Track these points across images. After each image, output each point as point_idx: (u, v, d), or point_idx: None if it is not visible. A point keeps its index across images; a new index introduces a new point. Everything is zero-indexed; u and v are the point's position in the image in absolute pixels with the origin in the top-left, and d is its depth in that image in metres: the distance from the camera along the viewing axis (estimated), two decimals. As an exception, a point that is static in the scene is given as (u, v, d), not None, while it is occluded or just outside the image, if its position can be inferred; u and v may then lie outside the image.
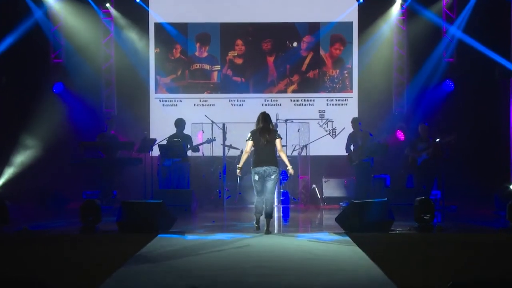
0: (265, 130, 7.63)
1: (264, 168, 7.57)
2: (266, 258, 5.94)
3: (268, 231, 7.58)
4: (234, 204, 11.33)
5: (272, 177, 7.60)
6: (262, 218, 7.66)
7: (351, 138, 11.16)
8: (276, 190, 11.27)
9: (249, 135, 7.73)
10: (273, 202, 8.03)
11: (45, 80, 12.18)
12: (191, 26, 12.81)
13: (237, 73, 12.83)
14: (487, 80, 11.75)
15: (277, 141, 7.67)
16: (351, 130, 11.25)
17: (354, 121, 11.18)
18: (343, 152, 11.27)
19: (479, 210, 10.24)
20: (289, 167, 7.81)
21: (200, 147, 11.47)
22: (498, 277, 4.87)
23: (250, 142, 7.69)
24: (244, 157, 7.86)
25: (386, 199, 7.97)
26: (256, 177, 7.62)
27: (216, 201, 11.35)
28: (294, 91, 12.82)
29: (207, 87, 12.87)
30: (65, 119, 12.04)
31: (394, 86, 12.74)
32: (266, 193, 7.65)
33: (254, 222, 7.71)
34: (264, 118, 7.70)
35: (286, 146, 11.67)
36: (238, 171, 7.93)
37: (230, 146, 11.65)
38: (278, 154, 7.87)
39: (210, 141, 11.36)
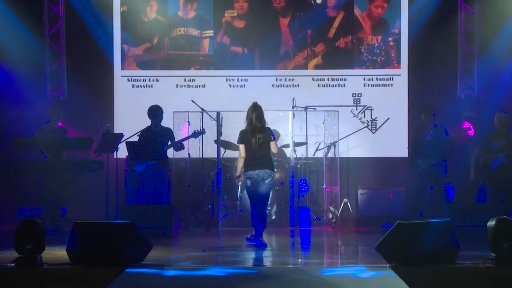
0: (256, 129, 8.97)
1: (257, 171, 8.97)
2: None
3: (263, 242, 9.03)
4: (233, 226, 11.35)
5: (266, 181, 9.01)
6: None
7: (420, 132, 11.01)
8: (292, 205, 11.32)
9: (239, 136, 9.09)
10: (266, 208, 9.39)
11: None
12: (173, -25, 12.86)
13: (237, 41, 12.84)
14: None
15: (272, 143, 9.07)
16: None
17: (427, 111, 10.96)
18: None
19: None
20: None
21: (185, 143, 11.47)
22: None
23: (243, 145, 9.05)
24: (240, 164, 9.17)
25: (448, 219, 7.98)
26: (249, 182, 9.02)
27: (207, 222, 11.37)
28: (317, 67, 12.82)
29: (195, 61, 12.89)
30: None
31: (460, 59, 12.71)
32: (260, 198, 9.04)
33: (252, 235, 9.11)
34: (257, 114, 9.00)
35: (306, 143, 11.70)
36: (237, 180, 9.27)
37: (228, 145, 11.66)
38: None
39: (197, 134, 11.35)
